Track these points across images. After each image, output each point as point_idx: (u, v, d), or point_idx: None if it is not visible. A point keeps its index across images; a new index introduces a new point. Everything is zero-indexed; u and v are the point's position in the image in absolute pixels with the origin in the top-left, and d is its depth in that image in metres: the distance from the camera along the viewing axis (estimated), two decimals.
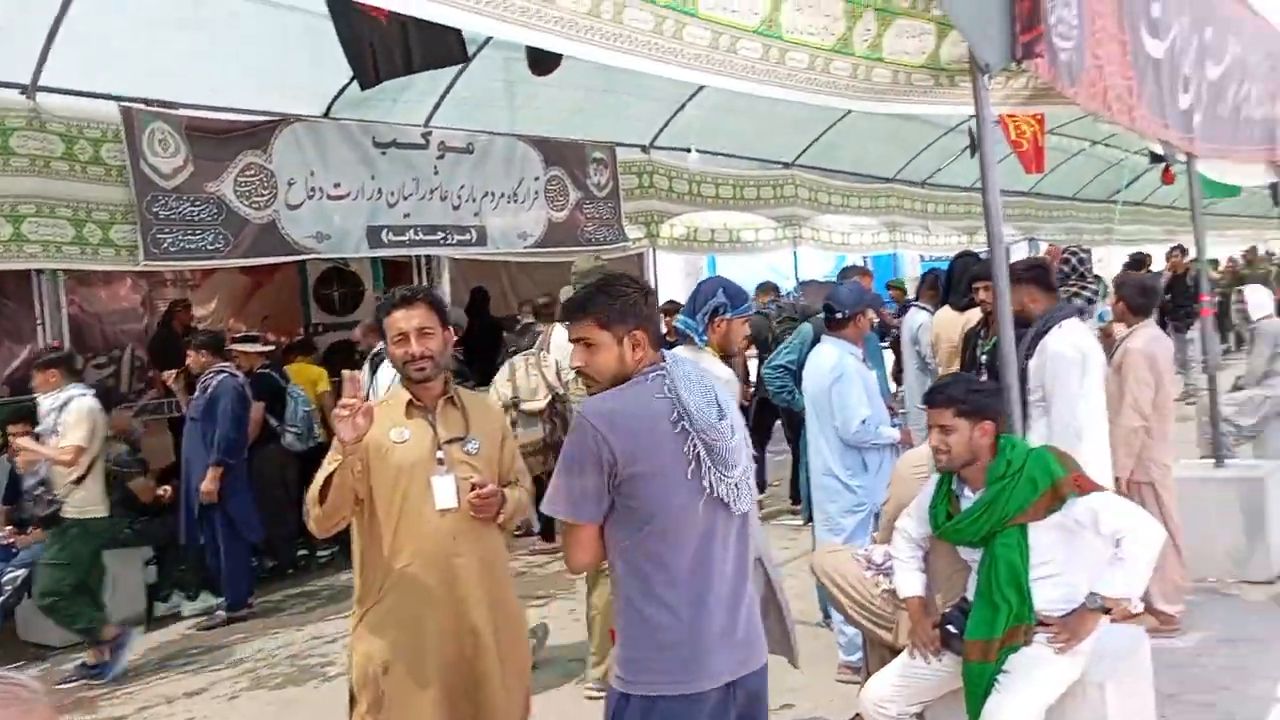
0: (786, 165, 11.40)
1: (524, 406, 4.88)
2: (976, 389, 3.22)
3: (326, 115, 7.57)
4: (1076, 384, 4.03)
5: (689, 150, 10.07)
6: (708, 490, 2.36)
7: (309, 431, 7.44)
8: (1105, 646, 3.14)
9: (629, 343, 2.44)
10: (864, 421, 4.45)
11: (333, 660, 5.60)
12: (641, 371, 2.44)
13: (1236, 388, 8.27)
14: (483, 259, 9.61)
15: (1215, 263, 17.21)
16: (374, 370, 5.94)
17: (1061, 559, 3.07)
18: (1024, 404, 3.96)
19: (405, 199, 8.12)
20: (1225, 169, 7.10)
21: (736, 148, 10.68)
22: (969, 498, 3.18)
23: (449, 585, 2.86)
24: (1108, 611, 3.00)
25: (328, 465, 2.82)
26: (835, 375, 4.49)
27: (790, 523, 7.32)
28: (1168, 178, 12.50)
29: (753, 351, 7.89)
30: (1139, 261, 13.41)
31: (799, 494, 6.78)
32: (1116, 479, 4.78)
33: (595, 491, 2.33)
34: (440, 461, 2.87)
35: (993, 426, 3.16)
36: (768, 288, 9.70)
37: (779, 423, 7.83)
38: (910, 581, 3.35)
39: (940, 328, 6.13)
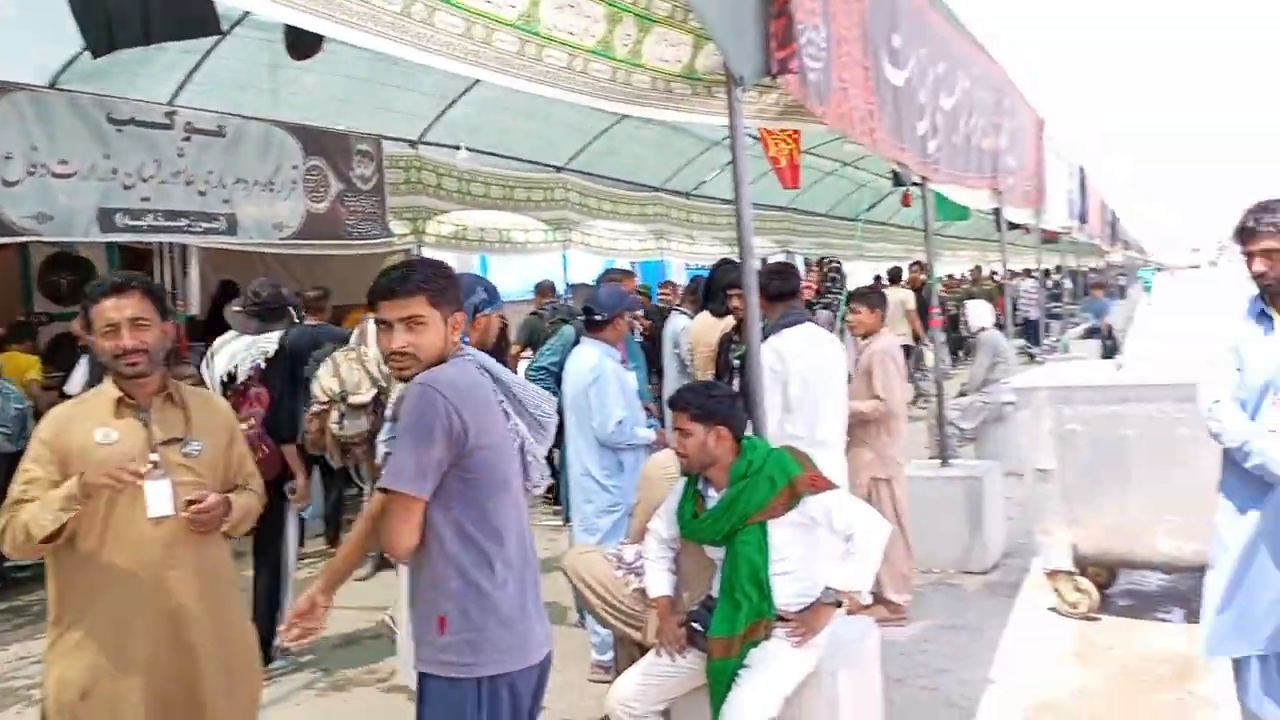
0: (558, 169, 11.43)
1: (351, 400, 4.69)
2: (713, 394, 3.32)
3: (52, 86, 6.88)
4: (773, 394, 4.19)
5: (459, 148, 9.89)
6: (525, 468, 2.52)
7: (20, 431, 6.73)
8: (838, 637, 3.29)
9: (451, 324, 2.43)
10: (620, 422, 4.50)
11: (39, 682, 5.06)
12: (454, 355, 2.44)
13: (960, 394, 9.03)
14: (234, 249, 9.05)
15: (950, 278, 18.79)
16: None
17: (799, 555, 3.20)
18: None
19: (144, 181, 7.48)
20: (958, 192, 7.71)
21: (508, 148, 10.59)
22: (713, 497, 3.26)
23: (161, 600, 2.63)
24: (840, 605, 3.15)
25: (54, 512, 2.51)
26: (593, 376, 4.52)
27: (549, 523, 7.31)
28: (906, 200, 13.53)
29: (529, 353, 7.86)
30: (895, 275, 14.39)
31: (559, 495, 6.79)
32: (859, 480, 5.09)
33: (439, 465, 2.30)
34: (155, 465, 2.62)
35: (727, 431, 3.25)
36: (546, 288, 9.67)
37: None
38: (659, 581, 3.40)
39: (699, 333, 6.30)
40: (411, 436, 2.30)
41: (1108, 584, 5.49)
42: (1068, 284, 18.86)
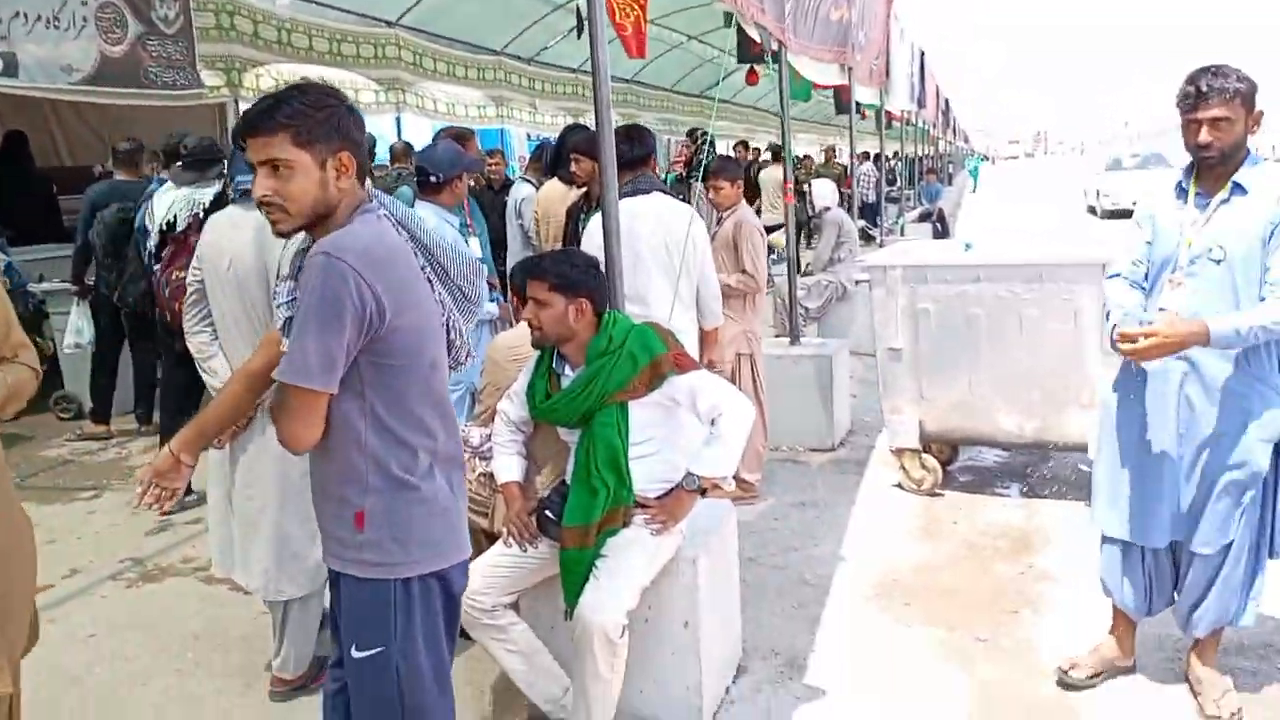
0: (390, 24, 10.55)
1: None
2: (574, 263, 2.99)
3: None
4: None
5: None
6: (453, 346, 2.23)
7: None
8: (697, 521, 3.11)
9: (333, 167, 2.01)
10: None
11: None
12: (356, 209, 2.05)
13: (805, 273, 9.00)
14: (17, 93, 7.97)
15: (806, 158, 18.77)
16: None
17: (660, 437, 2.97)
18: None
19: None
20: (807, 65, 7.46)
21: None
22: (569, 376, 2.97)
23: None
24: (703, 492, 2.95)
25: None
26: None
27: None
28: (752, 79, 13.23)
29: None
30: (776, 152, 14.19)
31: None
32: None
33: (347, 351, 1.94)
34: None
35: (589, 305, 2.96)
36: (400, 151, 8.97)
37: None
38: (507, 466, 3.12)
39: (547, 202, 5.89)
40: (315, 320, 1.90)
41: (949, 461, 5.58)
42: (902, 169, 19.16)
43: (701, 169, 4.95)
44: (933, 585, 4.14)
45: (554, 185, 5.89)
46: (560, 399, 2.92)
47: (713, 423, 2.91)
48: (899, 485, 5.28)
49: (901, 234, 14.23)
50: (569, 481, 2.96)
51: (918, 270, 5.03)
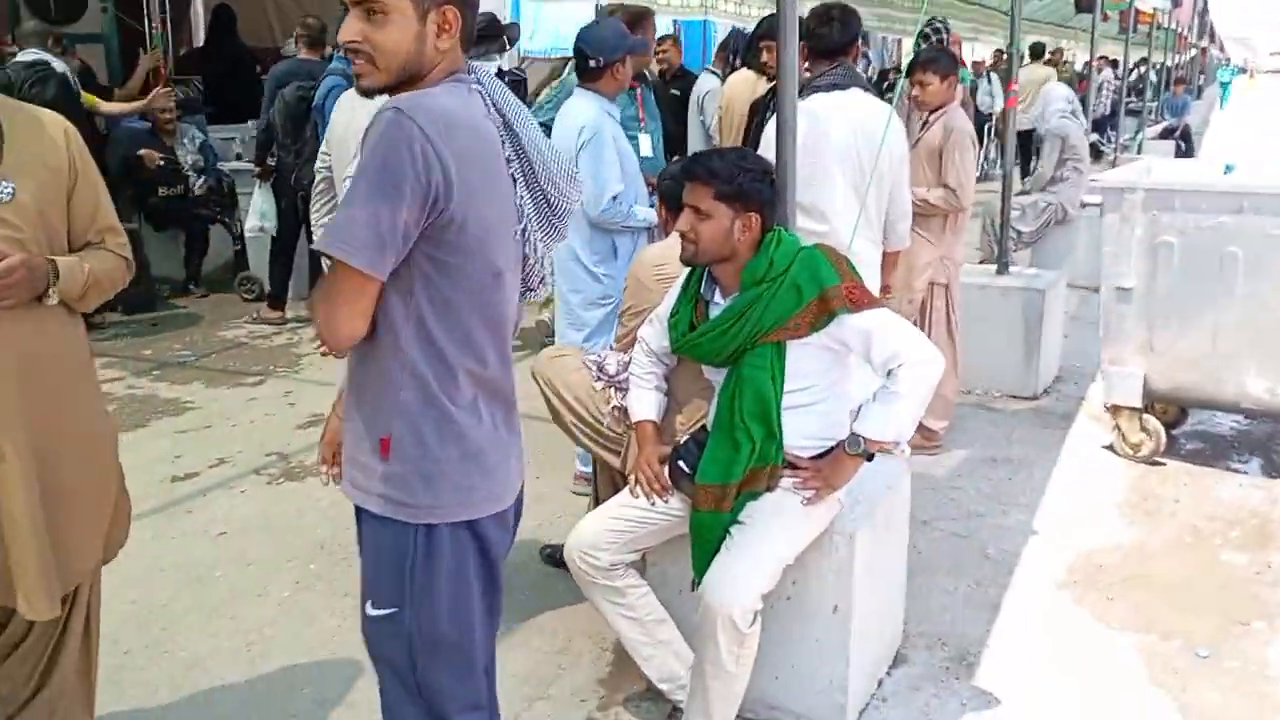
0: None
1: None
2: (746, 167, 2.46)
3: None
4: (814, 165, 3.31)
5: None
6: (526, 264, 1.80)
7: None
8: (860, 486, 2.60)
9: (435, 21, 1.64)
10: (615, 198, 3.67)
11: None
12: (449, 74, 1.67)
13: (1022, 191, 8.04)
14: None
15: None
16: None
17: (822, 386, 2.46)
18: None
19: None
20: None
21: None
22: (719, 304, 2.49)
23: None
24: (870, 457, 2.43)
25: None
26: (584, 137, 3.65)
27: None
28: None
29: None
30: (1038, 51, 12.95)
31: None
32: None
33: (405, 232, 1.56)
34: None
35: (759, 220, 2.45)
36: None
37: None
38: (643, 402, 2.69)
39: (732, 93, 5.31)
40: (368, 185, 1.54)
41: (1175, 424, 4.78)
42: (1152, 77, 17.14)
43: (908, 64, 4.21)
44: (1144, 577, 3.49)
45: (742, 76, 5.30)
46: (705, 332, 2.45)
47: (889, 374, 2.37)
48: (1111, 448, 4.55)
49: (1139, 152, 12.70)
50: (709, 429, 2.51)
51: (1164, 194, 4.20)
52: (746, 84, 5.03)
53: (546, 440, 3.66)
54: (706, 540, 2.40)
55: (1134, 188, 4.26)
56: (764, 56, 4.60)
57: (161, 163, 7.31)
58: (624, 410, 2.80)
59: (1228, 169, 4.72)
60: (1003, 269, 5.49)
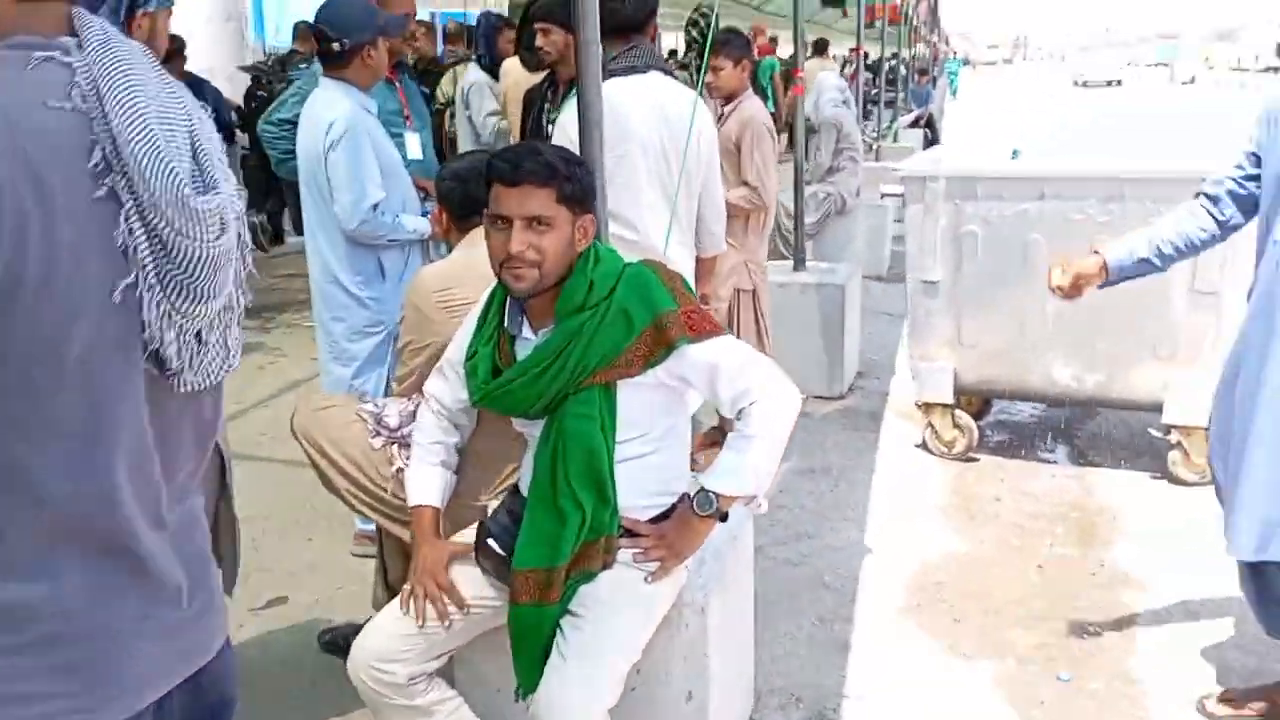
0: None
1: None
2: (569, 157, 1.98)
3: None
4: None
5: None
6: (146, 336, 1.06)
7: None
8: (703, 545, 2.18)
9: None
10: (375, 207, 3.09)
11: None
12: (16, 35, 1.01)
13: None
14: None
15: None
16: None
17: (658, 432, 2.02)
18: None
19: None
20: None
21: None
22: (528, 340, 1.99)
23: None
24: (725, 517, 2.01)
25: None
26: (334, 136, 3.04)
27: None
28: None
29: None
30: (821, 47, 12.88)
31: None
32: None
33: None
34: None
35: (594, 225, 1.99)
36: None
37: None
38: (424, 482, 2.14)
39: (516, 87, 4.79)
40: None
41: (979, 414, 4.69)
42: (902, 70, 17.93)
43: (705, 51, 3.82)
44: (984, 591, 3.28)
45: (517, 63, 4.81)
46: (515, 377, 1.94)
47: (740, 414, 1.96)
48: (924, 446, 4.40)
49: (895, 140, 13.15)
50: (525, 496, 2.01)
51: (966, 183, 4.05)
52: (523, 72, 4.54)
53: (317, 492, 3.04)
54: (531, 642, 1.90)
55: (936, 176, 4.09)
56: (539, 40, 4.13)
57: None
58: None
59: (1015, 154, 4.67)
60: (799, 265, 5.27)
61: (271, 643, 3.03)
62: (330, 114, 3.08)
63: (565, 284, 1.94)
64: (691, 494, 1.98)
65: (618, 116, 2.86)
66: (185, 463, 1.20)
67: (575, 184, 1.91)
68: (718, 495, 1.95)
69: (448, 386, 2.12)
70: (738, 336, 4.08)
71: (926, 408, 4.33)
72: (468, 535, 2.09)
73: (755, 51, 12.65)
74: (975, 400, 4.61)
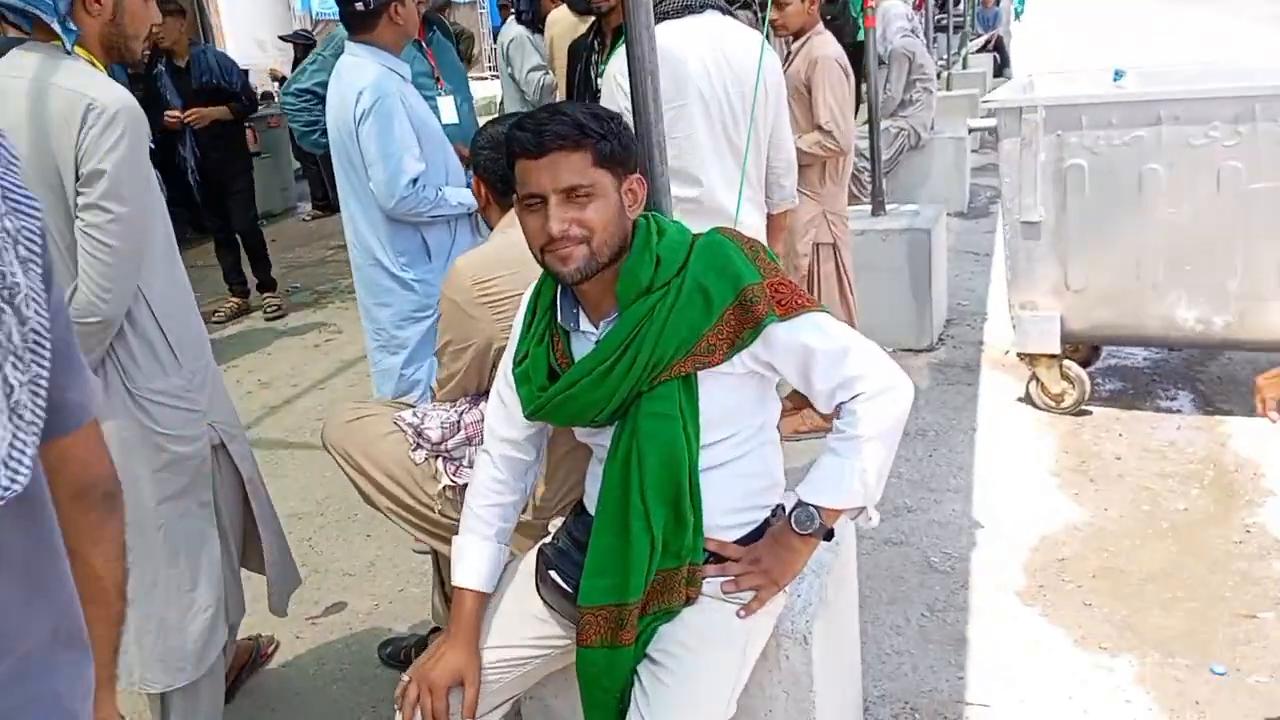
0: None
1: None
2: (605, 114, 1.64)
3: None
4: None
5: None
6: None
7: None
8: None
9: None
10: (415, 181, 2.79)
11: None
12: None
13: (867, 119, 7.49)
14: None
15: None
16: None
17: (747, 432, 1.70)
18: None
19: None
20: None
21: None
22: (589, 334, 1.68)
23: None
24: (830, 535, 1.68)
25: None
26: (365, 105, 2.75)
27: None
28: None
29: None
30: None
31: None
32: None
33: None
34: None
35: (644, 186, 1.66)
36: None
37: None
38: (472, 557, 1.77)
39: (555, 36, 4.46)
40: None
41: (1088, 363, 4.27)
42: None
43: None
44: (1114, 568, 2.92)
45: (563, 14, 4.46)
46: (576, 379, 1.63)
47: (841, 410, 1.63)
48: (1027, 400, 4.01)
49: (964, 67, 12.46)
50: (592, 515, 1.71)
51: (1069, 111, 3.60)
52: (569, 21, 4.19)
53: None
54: (604, 690, 1.62)
55: (1034, 106, 3.65)
56: None
57: None
58: (461, 490, 1.97)
59: (1117, 75, 4.19)
60: (878, 209, 4.87)
61: (329, 655, 2.82)
62: (359, 82, 2.79)
63: (625, 263, 1.62)
64: (788, 508, 1.67)
65: (674, 64, 2.52)
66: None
67: (612, 141, 1.58)
68: (820, 510, 1.63)
69: (507, 413, 1.79)
70: (818, 294, 3.74)
71: (1030, 359, 3.93)
72: (530, 560, 1.81)
73: None
74: (1083, 347, 4.19)
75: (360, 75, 2.80)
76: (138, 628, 2.12)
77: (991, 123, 3.83)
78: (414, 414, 2.07)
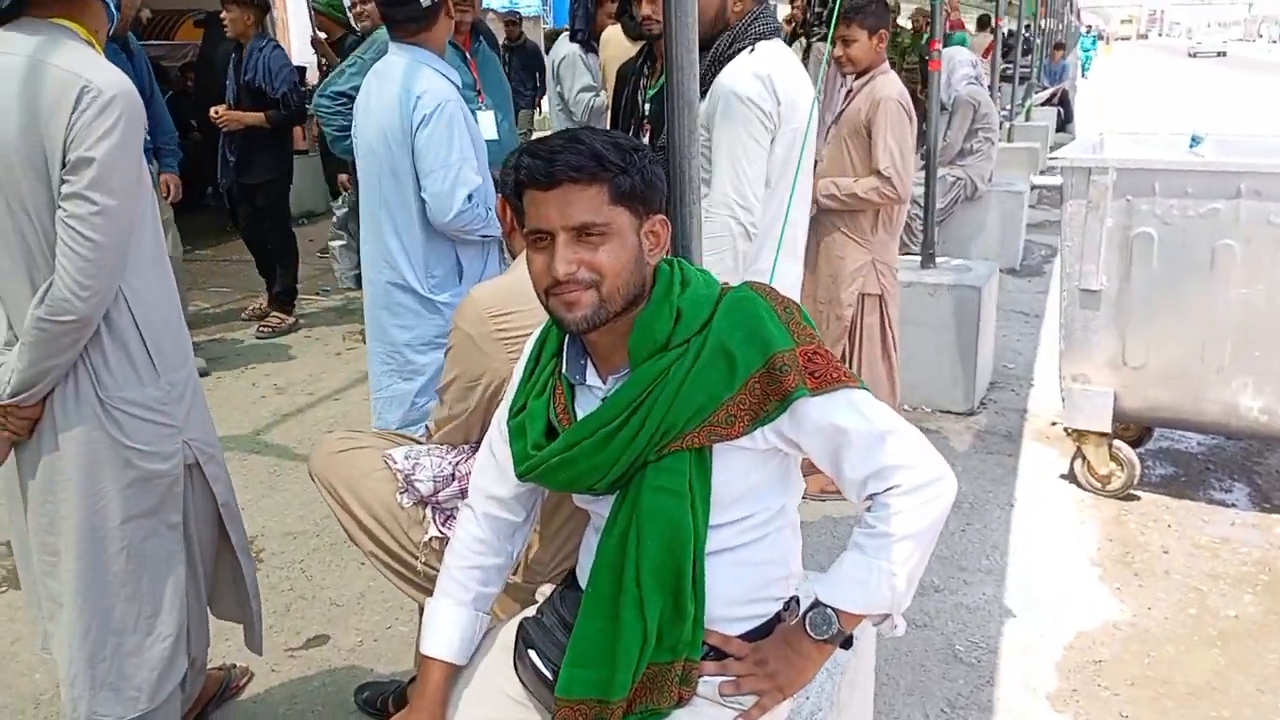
0: None
1: None
2: (629, 144, 1.47)
3: None
4: (749, 139, 2.43)
5: None
6: None
7: None
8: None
9: None
10: (470, 196, 2.65)
11: None
12: None
13: (922, 165, 7.28)
14: None
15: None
16: None
17: (764, 515, 1.51)
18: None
19: None
20: None
21: None
22: (595, 389, 1.50)
23: None
24: (849, 643, 1.49)
25: None
26: (427, 110, 2.61)
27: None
28: None
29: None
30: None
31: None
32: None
33: None
34: None
35: (667, 228, 1.49)
36: None
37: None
38: (443, 626, 1.59)
39: (609, 57, 4.31)
40: None
41: (1138, 443, 4.03)
42: (1037, 42, 16.77)
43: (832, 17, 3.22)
44: (1156, 676, 2.68)
45: (617, 34, 4.32)
46: (579, 440, 1.45)
47: (873, 501, 1.44)
48: (1072, 477, 3.77)
49: (1027, 119, 12.22)
50: (582, 589, 1.53)
51: (1142, 176, 3.38)
52: (623, 45, 4.04)
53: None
54: None
55: (1104, 168, 3.45)
56: (644, 7, 3.50)
57: None
58: (446, 542, 1.79)
59: (1194, 141, 3.97)
60: (928, 261, 4.66)
61: (303, 693, 2.64)
62: (416, 85, 2.66)
63: (641, 314, 1.44)
64: (803, 605, 1.47)
65: (800, 84, 2.41)
66: None
67: (634, 175, 1.40)
68: (839, 614, 1.43)
69: (497, 468, 1.61)
70: (859, 346, 3.55)
71: (1078, 435, 3.69)
72: (510, 631, 1.62)
73: (948, 24, 11.83)
74: (1135, 427, 3.95)
75: (417, 78, 2.67)
76: (91, 653, 1.97)
77: (1056, 181, 3.63)
78: (406, 456, 1.90)
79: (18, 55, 1.74)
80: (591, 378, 1.50)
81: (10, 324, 1.85)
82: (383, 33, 3.09)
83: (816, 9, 8.78)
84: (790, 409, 1.40)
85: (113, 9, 1.86)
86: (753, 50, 2.51)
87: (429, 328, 2.81)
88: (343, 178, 5.04)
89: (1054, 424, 4.10)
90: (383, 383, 2.88)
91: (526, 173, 1.41)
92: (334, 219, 5.16)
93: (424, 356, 2.81)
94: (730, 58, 2.52)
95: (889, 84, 3.52)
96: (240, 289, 6.84)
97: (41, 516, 1.92)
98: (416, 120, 2.66)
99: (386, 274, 2.81)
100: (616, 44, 4.31)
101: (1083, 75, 36.22)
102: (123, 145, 1.74)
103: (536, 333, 1.61)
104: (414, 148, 2.67)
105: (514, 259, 2.04)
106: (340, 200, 5.09)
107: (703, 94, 2.46)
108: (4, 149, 1.73)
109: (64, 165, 1.71)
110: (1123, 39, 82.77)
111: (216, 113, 5.32)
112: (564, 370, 1.51)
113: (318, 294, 6.56)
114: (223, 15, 5.29)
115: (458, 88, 2.80)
